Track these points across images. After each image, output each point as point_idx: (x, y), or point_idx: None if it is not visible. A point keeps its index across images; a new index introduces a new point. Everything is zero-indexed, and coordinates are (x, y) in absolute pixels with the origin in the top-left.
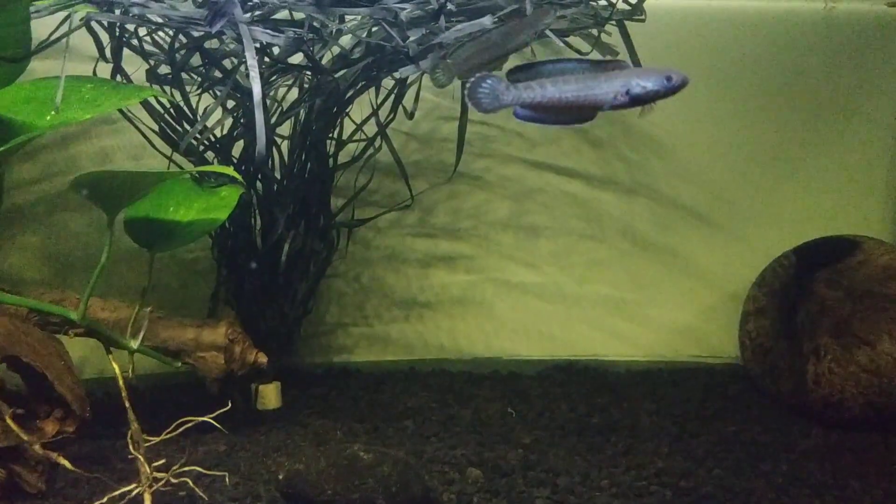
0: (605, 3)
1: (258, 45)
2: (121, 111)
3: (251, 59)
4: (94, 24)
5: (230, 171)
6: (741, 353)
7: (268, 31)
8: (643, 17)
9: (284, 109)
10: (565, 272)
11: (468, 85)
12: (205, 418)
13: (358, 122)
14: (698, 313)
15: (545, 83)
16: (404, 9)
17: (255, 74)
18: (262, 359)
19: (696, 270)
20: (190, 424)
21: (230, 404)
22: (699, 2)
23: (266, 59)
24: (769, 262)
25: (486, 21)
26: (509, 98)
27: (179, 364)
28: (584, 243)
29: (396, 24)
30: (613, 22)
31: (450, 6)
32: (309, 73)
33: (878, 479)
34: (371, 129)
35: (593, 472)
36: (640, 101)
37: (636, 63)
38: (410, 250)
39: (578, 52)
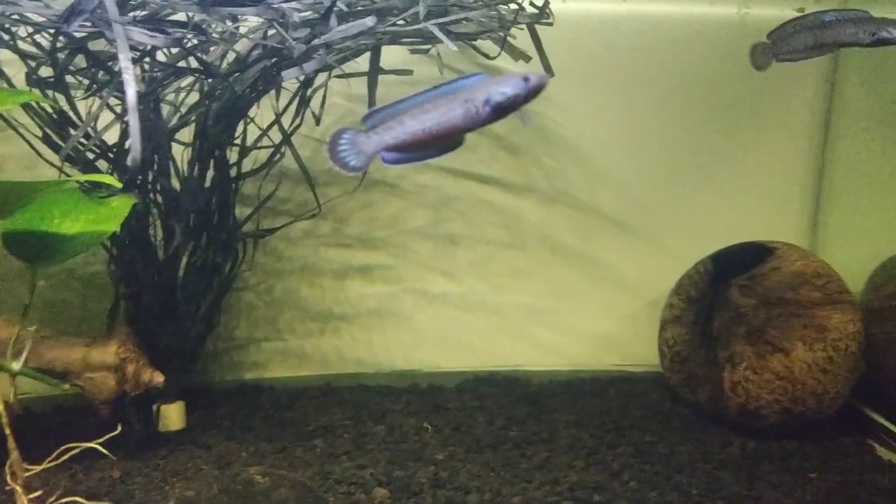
0: (514, 6)
1: (144, 47)
2: (2, 117)
3: (125, 61)
4: None
5: (110, 179)
6: (660, 362)
7: (145, 31)
8: (551, 21)
9: (182, 114)
10: (485, 282)
11: (327, 147)
12: (92, 444)
13: (267, 127)
14: (619, 322)
15: (404, 119)
16: (293, 9)
17: (128, 77)
18: (159, 378)
19: (617, 278)
20: (77, 451)
21: (119, 428)
22: (613, 6)
23: (151, 60)
24: (687, 269)
25: (369, 21)
26: (373, 145)
27: (67, 386)
28: (504, 252)
29: (285, 25)
30: (521, 26)
31: (340, 6)
32: (201, 76)
33: (792, 488)
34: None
35: (505, 488)
36: (504, 109)
37: (548, 69)
38: (325, 261)
39: (487, 56)
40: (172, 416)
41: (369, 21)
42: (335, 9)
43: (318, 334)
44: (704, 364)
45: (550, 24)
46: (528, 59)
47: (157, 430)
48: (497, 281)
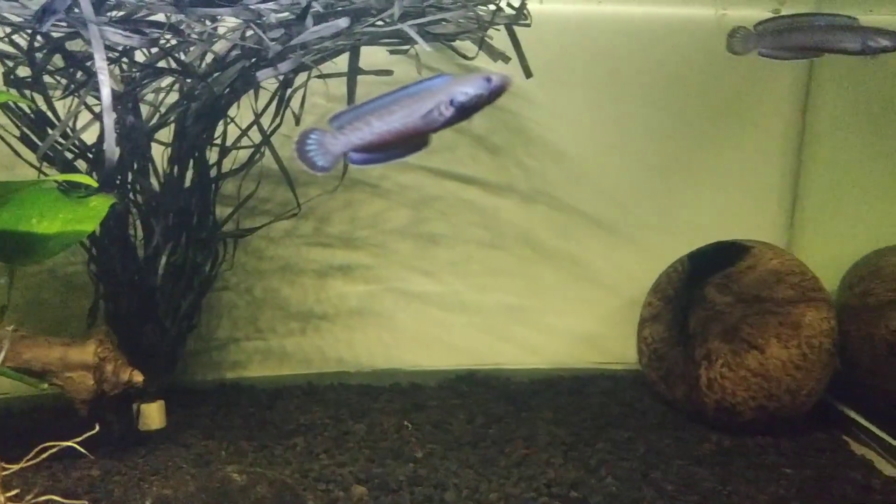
0: (494, 7)
1: (122, 48)
2: None
3: (99, 61)
4: None
5: (87, 179)
6: (639, 359)
7: (120, 31)
8: (528, 22)
9: (162, 114)
10: (465, 281)
11: (294, 146)
12: (69, 443)
13: (246, 128)
14: (598, 320)
15: (370, 120)
16: (270, 10)
17: (103, 77)
18: (138, 377)
19: (596, 277)
20: (54, 450)
21: (97, 427)
22: (591, 7)
23: (129, 61)
24: (665, 268)
25: (342, 23)
26: (340, 145)
27: (46, 386)
28: (484, 251)
29: (262, 26)
30: (498, 28)
31: (316, 7)
32: (180, 76)
33: (766, 483)
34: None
35: (483, 485)
36: (467, 110)
37: (526, 70)
38: (306, 260)
39: (465, 56)
40: (152, 415)
41: (342, 22)
42: (311, 10)
43: (300, 333)
44: (682, 361)
45: (528, 25)
46: (507, 59)
47: (138, 429)
48: (477, 280)
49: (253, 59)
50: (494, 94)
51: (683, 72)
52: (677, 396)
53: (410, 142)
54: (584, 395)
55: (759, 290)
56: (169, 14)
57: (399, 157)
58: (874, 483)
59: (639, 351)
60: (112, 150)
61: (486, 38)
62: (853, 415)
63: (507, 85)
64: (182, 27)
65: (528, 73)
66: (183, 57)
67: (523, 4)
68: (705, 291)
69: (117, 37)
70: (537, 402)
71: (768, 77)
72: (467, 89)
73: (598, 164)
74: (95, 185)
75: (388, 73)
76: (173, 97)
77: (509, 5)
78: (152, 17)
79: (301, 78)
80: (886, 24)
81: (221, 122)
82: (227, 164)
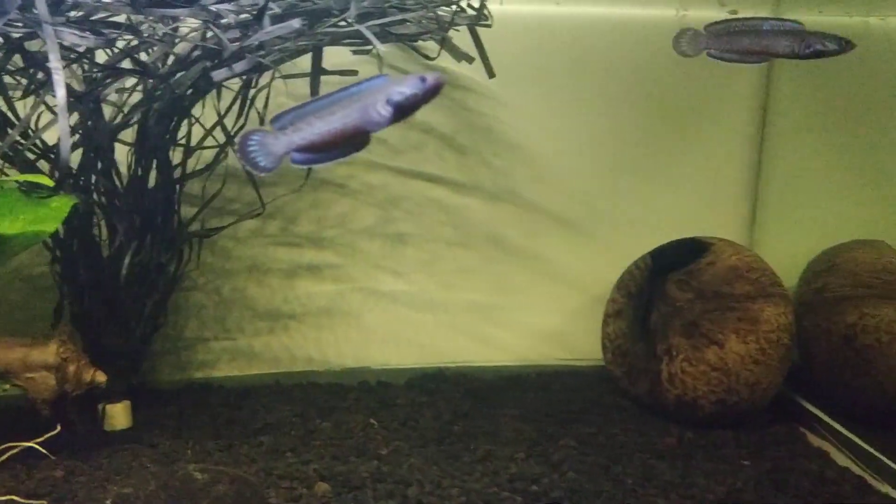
0: (455, 8)
1: (79, 48)
2: None
3: (54, 62)
4: None
5: (47, 179)
6: (603, 356)
7: (76, 32)
8: (489, 23)
9: (125, 114)
10: (433, 279)
11: (236, 147)
12: (31, 444)
13: (210, 128)
14: (564, 317)
15: (312, 120)
16: (229, 10)
17: (58, 78)
18: (101, 377)
19: (562, 275)
20: (16, 450)
21: (58, 428)
22: (552, 8)
23: (90, 61)
24: (628, 266)
25: (295, 23)
26: (282, 146)
27: (7, 387)
28: (451, 250)
29: (218, 26)
30: (458, 29)
31: (273, 7)
32: (140, 76)
33: (724, 476)
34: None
35: (446, 480)
36: (404, 109)
37: (489, 70)
38: (273, 260)
39: (427, 57)
40: (118, 415)
41: (295, 23)
42: (270, 11)
43: (268, 333)
44: (644, 357)
45: (489, 26)
46: (470, 60)
47: (103, 429)
48: (445, 279)
49: (214, 60)
50: (429, 93)
51: (646, 71)
52: (640, 391)
53: (351, 141)
54: (550, 391)
55: (719, 286)
56: (128, 14)
57: (340, 156)
58: (828, 474)
59: (603, 347)
60: (66, 150)
61: (449, 39)
62: (810, 407)
63: (441, 84)
64: (142, 28)
65: (491, 74)
66: (146, 57)
67: (483, 5)
68: (666, 288)
69: (73, 37)
70: (503, 399)
71: (729, 76)
72: (403, 89)
73: (563, 163)
74: (52, 184)
75: (353, 73)
76: (138, 97)
77: (470, 6)
78: (115, 18)
79: (266, 78)
80: (837, 25)
81: (186, 123)
82: (194, 165)
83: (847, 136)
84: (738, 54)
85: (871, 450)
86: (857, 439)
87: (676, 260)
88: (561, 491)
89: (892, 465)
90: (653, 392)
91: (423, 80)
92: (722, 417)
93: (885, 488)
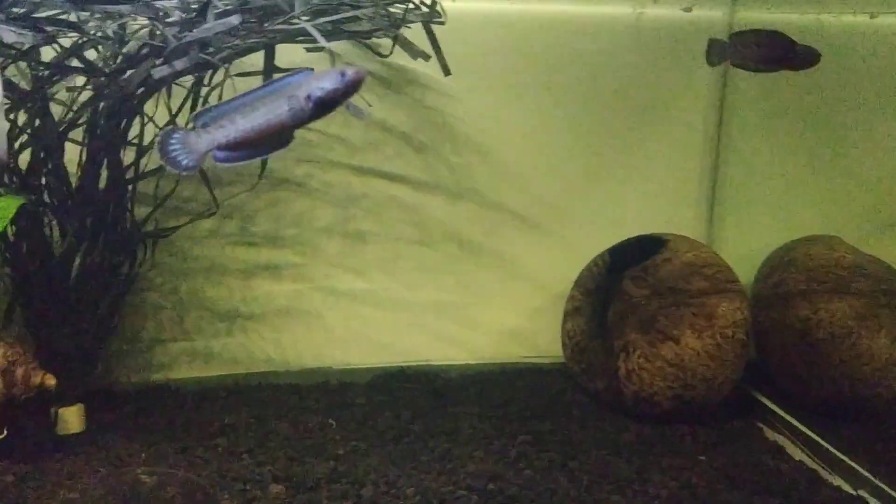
0: (409, 5)
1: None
2: None
3: None
4: None
5: None
6: (563, 353)
7: (13, 29)
8: (443, 20)
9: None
10: (394, 278)
11: (157, 146)
12: None
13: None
14: (526, 314)
15: (234, 117)
16: (173, 7)
17: None
18: (50, 381)
19: (523, 272)
20: None
21: (4, 432)
22: (505, 6)
23: (35, 59)
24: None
25: (234, 20)
26: (204, 144)
27: None
28: (412, 248)
29: (161, 22)
30: (410, 27)
31: (219, 6)
32: (87, 74)
33: (679, 471)
34: None
35: (402, 480)
36: (326, 104)
37: (445, 67)
38: (231, 260)
39: (380, 54)
40: (71, 418)
41: (234, 19)
42: (216, 9)
43: (226, 334)
44: (602, 354)
45: (443, 23)
46: (427, 57)
47: (56, 433)
48: (406, 277)
49: (162, 58)
50: (350, 87)
51: (603, 69)
52: (599, 388)
53: (274, 139)
54: (511, 389)
55: (675, 282)
56: (69, 11)
57: (263, 154)
58: (783, 468)
59: (562, 344)
60: (2, 148)
61: (403, 37)
62: (766, 401)
63: (361, 78)
64: (88, 25)
65: (447, 71)
66: (95, 55)
67: (435, 2)
68: (623, 284)
69: (9, 34)
70: (464, 397)
71: (686, 75)
72: (324, 84)
73: (523, 161)
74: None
75: (309, 70)
76: (89, 96)
77: (423, 3)
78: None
79: (220, 76)
80: (789, 23)
81: (139, 122)
82: (146, 164)
83: (802, 134)
84: (756, 65)
85: (825, 443)
86: (810, 433)
87: (635, 257)
88: (517, 489)
89: (845, 458)
90: (611, 388)
91: (342, 74)
92: (679, 413)
93: (837, 481)
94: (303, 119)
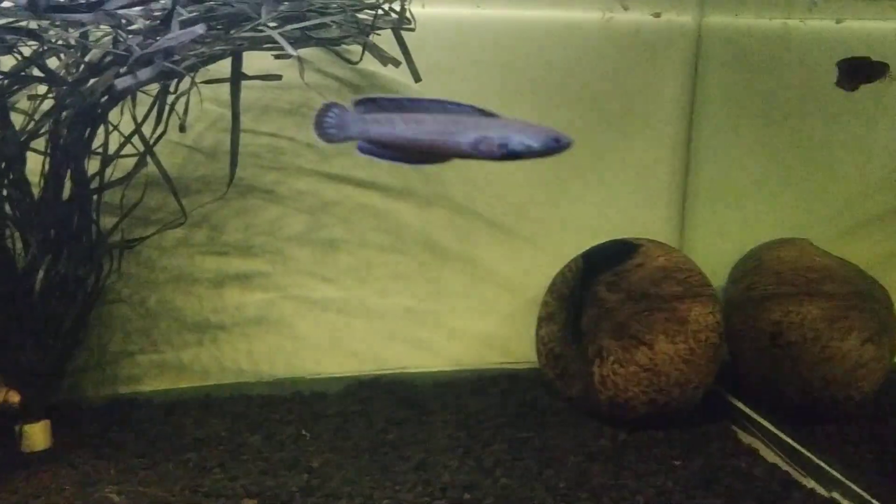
0: (378, 11)
1: None
2: None
3: None
4: None
5: None
6: (538, 359)
7: None
8: (412, 26)
9: (36, 122)
10: (367, 286)
11: (315, 112)
12: None
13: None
14: (500, 321)
15: (396, 120)
16: (136, 15)
17: None
18: (14, 398)
19: (496, 279)
20: None
21: None
22: (473, 10)
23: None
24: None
25: (199, 29)
26: (356, 130)
27: None
28: (385, 256)
29: (124, 31)
30: (380, 33)
31: (184, 14)
32: (48, 83)
33: (654, 476)
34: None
35: (377, 491)
36: (515, 156)
37: (415, 73)
38: (200, 270)
39: (349, 61)
40: (36, 435)
41: (199, 28)
42: (181, 17)
43: (196, 345)
44: (576, 359)
45: (412, 30)
46: (397, 63)
47: (20, 450)
48: (378, 285)
49: (125, 67)
50: (551, 154)
51: (573, 74)
52: (573, 394)
53: (429, 156)
54: (486, 396)
55: (647, 287)
56: (29, 20)
57: (410, 161)
58: (756, 471)
59: (537, 350)
60: None
61: (373, 43)
62: (740, 405)
63: (566, 147)
64: (49, 34)
65: (417, 78)
66: (56, 63)
67: (404, 8)
68: (596, 290)
69: None
70: (439, 405)
71: (656, 80)
72: (530, 142)
73: (494, 167)
74: None
75: (277, 77)
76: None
77: (392, 9)
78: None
79: (186, 84)
80: (756, 28)
81: (104, 131)
82: (111, 173)
83: (771, 138)
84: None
85: (797, 446)
86: (783, 436)
87: (608, 261)
88: (493, 497)
89: (817, 460)
90: (586, 394)
91: (557, 141)
92: (654, 418)
93: (810, 483)
94: (479, 158)
